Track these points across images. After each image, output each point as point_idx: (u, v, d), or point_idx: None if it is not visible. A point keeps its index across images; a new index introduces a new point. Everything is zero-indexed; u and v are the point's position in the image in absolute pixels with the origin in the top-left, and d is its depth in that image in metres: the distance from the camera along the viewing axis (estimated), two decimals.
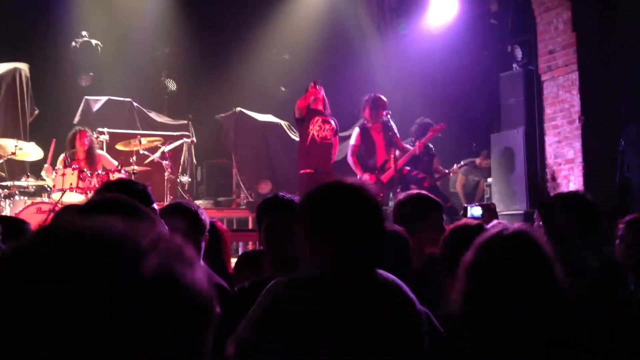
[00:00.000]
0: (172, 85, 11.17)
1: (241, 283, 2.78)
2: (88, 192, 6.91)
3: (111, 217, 0.84)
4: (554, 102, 7.91)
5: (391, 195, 7.90)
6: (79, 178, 7.08)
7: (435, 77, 10.61)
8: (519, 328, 1.74)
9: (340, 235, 1.91)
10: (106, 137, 8.52)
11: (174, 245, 0.83)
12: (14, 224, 3.29)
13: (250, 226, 8.96)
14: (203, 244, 2.96)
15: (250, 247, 7.45)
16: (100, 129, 8.63)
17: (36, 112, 9.55)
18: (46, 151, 7.62)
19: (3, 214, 6.87)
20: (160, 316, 0.77)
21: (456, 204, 8.66)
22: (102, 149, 8.24)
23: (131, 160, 7.80)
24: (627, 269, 3.27)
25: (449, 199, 8.15)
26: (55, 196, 7.04)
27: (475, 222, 2.88)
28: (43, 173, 7.45)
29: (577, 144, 7.57)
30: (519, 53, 8.57)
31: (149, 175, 8.08)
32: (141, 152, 8.01)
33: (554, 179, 7.79)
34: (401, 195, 3.59)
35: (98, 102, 9.87)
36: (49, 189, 7.53)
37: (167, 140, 8.47)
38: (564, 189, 7.36)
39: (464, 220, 2.96)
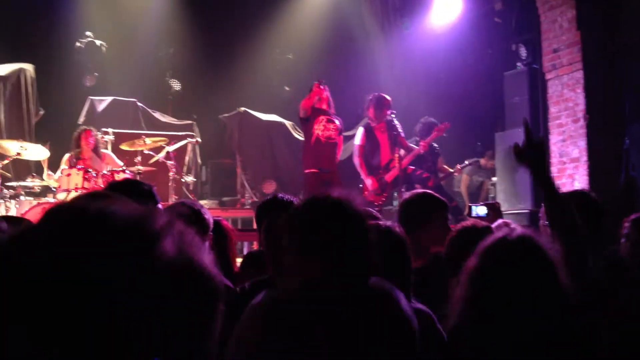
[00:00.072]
0: (176, 86, 11.19)
1: (244, 282, 2.79)
2: None
3: (125, 199, 0.85)
4: (558, 101, 7.89)
5: (396, 194, 7.90)
6: (84, 178, 7.10)
7: (439, 76, 10.60)
8: (521, 333, 1.74)
9: (325, 251, 1.88)
10: (111, 137, 8.53)
11: (184, 230, 0.85)
12: (19, 224, 3.31)
13: (255, 226, 8.95)
14: (207, 244, 2.97)
15: (255, 247, 7.46)
16: (105, 129, 8.65)
17: (41, 112, 9.58)
18: (50, 150, 7.62)
19: (9, 214, 6.89)
20: (175, 298, 0.78)
21: (460, 203, 8.65)
22: (106, 149, 8.26)
23: (136, 161, 7.82)
24: (632, 267, 3.26)
25: (454, 198, 8.14)
26: (61, 196, 7.06)
27: (483, 223, 2.88)
28: (45, 178, 7.48)
29: (582, 143, 7.55)
30: (523, 52, 8.56)
31: (153, 175, 8.09)
32: (146, 152, 8.02)
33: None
34: (406, 195, 3.59)
35: (103, 102, 9.89)
36: (54, 189, 7.55)
37: (172, 140, 8.49)
38: (568, 188, 7.34)
39: (471, 221, 2.96)
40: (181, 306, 0.80)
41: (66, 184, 7.08)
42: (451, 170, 8.26)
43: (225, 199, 10.19)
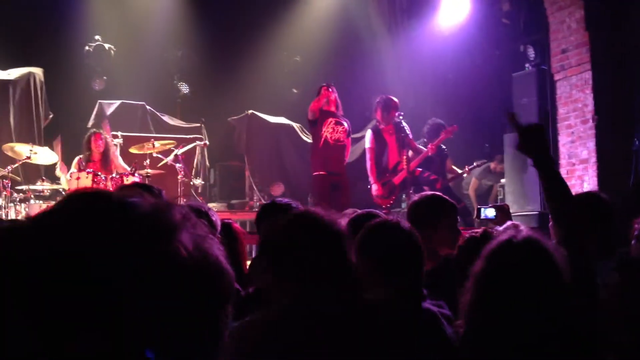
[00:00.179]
0: (184, 89, 11.22)
1: (254, 285, 2.80)
2: None
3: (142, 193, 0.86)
4: (567, 102, 7.86)
5: (404, 196, 7.89)
6: (93, 181, 7.13)
7: (447, 77, 10.58)
8: (525, 335, 1.73)
9: (303, 269, 1.87)
10: (120, 140, 8.57)
11: (198, 225, 0.86)
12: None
13: None
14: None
15: None
16: (114, 133, 8.68)
17: (50, 116, 9.62)
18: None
19: (19, 218, 6.92)
20: (190, 294, 0.79)
21: (468, 206, 8.63)
22: (115, 152, 8.29)
23: (145, 164, 7.84)
24: None
25: (462, 200, 8.13)
26: None
27: (494, 227, 2.87)
28: (57, 171, 7.52)
29: (591, 144, 7.52)
30: (531, 52, 8.53)
31: (162, 178, 8.12)
32: (155, 155, 8.05)
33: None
34: (415, 197, 3.58)
35: (112, 105, 9.93)
36: (63, 192, 7.58)
37: (180, 143, 8.51)
38: (578, 189, 7.31)
39: (483, 229, 2.95)
40: (194, 302, 0.80)
41: (75, 187, 7.11)
42: (460, 171, 8.25)
43: (233, 201, 10.20)
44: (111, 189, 7.02)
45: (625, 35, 7.53)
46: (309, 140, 8.76)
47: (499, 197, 9.23)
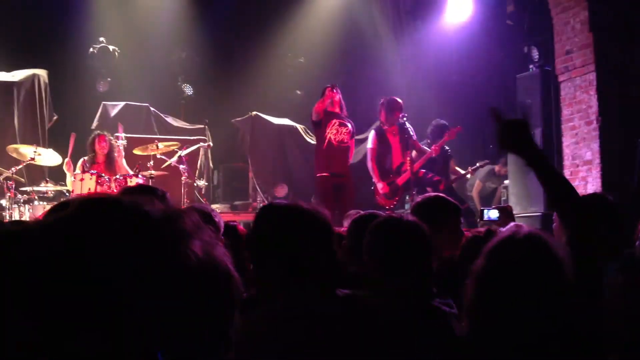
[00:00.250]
0: (188, 90, 11.24)
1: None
2: None
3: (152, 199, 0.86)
4: (571, 103, 7.85)
5: (407, 198, 7.89)
6: (97, 183, 7.14)
7: (451, 78, 10.57)
8: (525, 334, 1.72)
9: (288, 263, 1.87)
10: (124, 141, 8.58)
11: (207, 230, 0.86)
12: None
13: None
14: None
15: None
16: (117, 134, 8.69)
17: (55, 117, 9.65)
18: (64, 155, 7.67)
19: (22, 219, 6.94)
20: (199, 298, 0.79)
21: (472, 207, 8.62)
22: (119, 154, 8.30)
23: (148, 165, 7.85)
24: None
25: (465, 201, 8.12)
26: None
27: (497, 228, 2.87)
28: (64, 167, 7.55)
29: (595, 145, 7.50)
30: (535, 54, 8.52)
31: (166, 180, 8.12)
32: (158, 156, 8.06)
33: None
34: (419, 198, 3.59)
35: (116, 107, 9.95)
36: (67, 194, 7.60)
37: (184, 144, 8.52)
38: (582, 190, 7.29)
39: (486, 228, 2.94)
40: (203, 306, 0.81)
41: (79, 188, 7.12)
42: (463, 172, 8.24)
43: (237, 202, 10.20)
44: (115, 190, 7.03)
45: (629, 36, 7.51)
46: (313, 142, 8.75)
47: (503, 199, 9.21)
